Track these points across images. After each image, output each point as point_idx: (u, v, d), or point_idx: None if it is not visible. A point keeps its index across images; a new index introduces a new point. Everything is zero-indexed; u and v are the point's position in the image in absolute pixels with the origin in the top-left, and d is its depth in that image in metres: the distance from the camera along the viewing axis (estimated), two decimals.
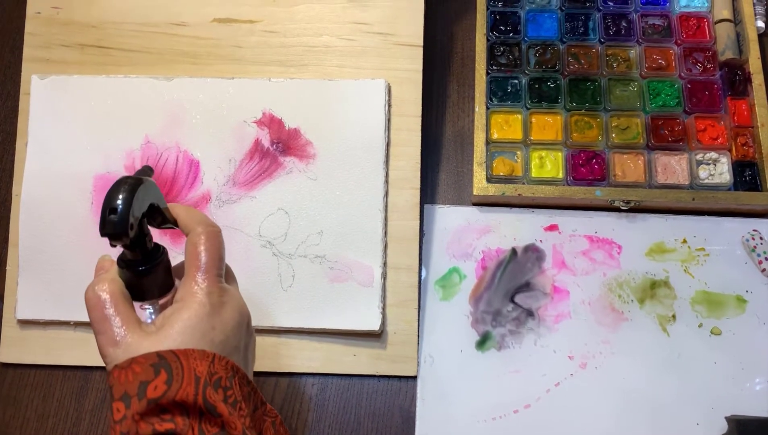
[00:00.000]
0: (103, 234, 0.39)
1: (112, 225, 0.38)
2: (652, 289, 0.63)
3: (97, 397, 0.62)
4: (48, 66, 0.67)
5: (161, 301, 0.44)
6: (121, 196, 0.39)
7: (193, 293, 0.41)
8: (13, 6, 0.77)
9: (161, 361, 0.38)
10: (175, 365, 0.38)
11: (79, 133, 0.64)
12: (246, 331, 0.45)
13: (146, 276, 0.42)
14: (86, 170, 0.64)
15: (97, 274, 0.43)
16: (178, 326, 0.40)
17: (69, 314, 0.62)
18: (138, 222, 0.40)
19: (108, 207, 0.38)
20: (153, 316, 0.43)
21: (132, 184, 0.39)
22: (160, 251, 0.43)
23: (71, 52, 0.67)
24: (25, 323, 0.63)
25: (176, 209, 0.44)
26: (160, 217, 0.43)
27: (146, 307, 0.43)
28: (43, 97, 0.65)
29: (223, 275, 0.44)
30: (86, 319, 0.60)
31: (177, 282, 0.45)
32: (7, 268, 0.64)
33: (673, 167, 0.65)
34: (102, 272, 0.43)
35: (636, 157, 0.65)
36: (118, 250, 0.42)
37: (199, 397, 0.38)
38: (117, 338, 0.40)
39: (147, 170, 0.44)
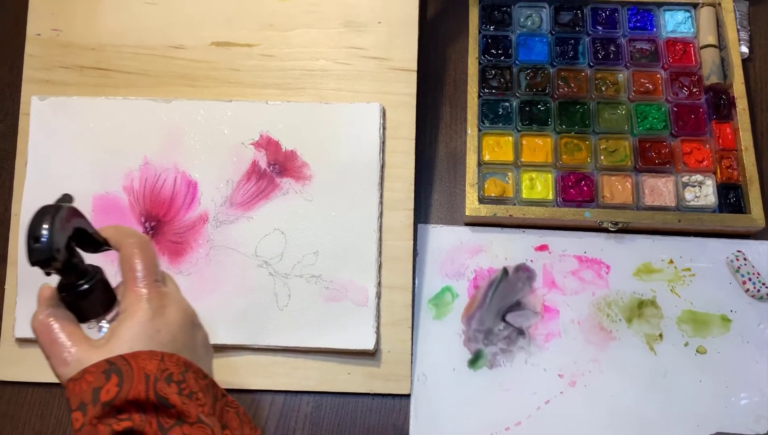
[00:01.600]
0: (31, 262, 0.40)
1: (38, 253, 0.39)
2: (640, 308, 0.65)
3: None
4: (48, 87, 0.68)
5: (107, 317, 0.45)
6: (42, 224, 0.40)
7: (134, 302, 0.43)
8: (11, 25, 0.77)
9: (111, 366, 0.40)
10: (125, 368, 0.40)
11: (78, 153, 0.65)
12: (192, 328, 0.46)
13: (86, 296, 0.43)
14: (85, 191, 0.64)
15: (37, 303, 0.44)
16: (125, 335, 0.41)
17: None
18: (65, 246, 0.41)
19: (32, 236, 0.39)
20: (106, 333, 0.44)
21: (52, 211, 0.41)
22: (95, 270, 0.44)
23: (71, 74, 0.68)
24: (23, 341, 0.63)
25: (105, 230, 0.46)
26: (90, 241, 0.44)
27: (93, 325, 0.45)
28: (43, 118, 0.66)
29: (160, 280, 0.45)
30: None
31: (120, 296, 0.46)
32: (6, 286, 0.65)
33: (660, 189, 0.67)
34: (41, 301, 0.44)
35: (624, 179, 0.67)
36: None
37: (151, 392, 0.39)
38: (67, 358, 0.41)
39: (66, 197, 0.44)
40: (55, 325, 0.42)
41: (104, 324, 0.44)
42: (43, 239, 0.39)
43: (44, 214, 0.40)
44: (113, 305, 0.45)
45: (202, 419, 0.40)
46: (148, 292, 0.43)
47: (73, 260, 0.42)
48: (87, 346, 0.41)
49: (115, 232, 0.45)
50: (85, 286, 0.43)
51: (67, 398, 0.40)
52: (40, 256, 0.39)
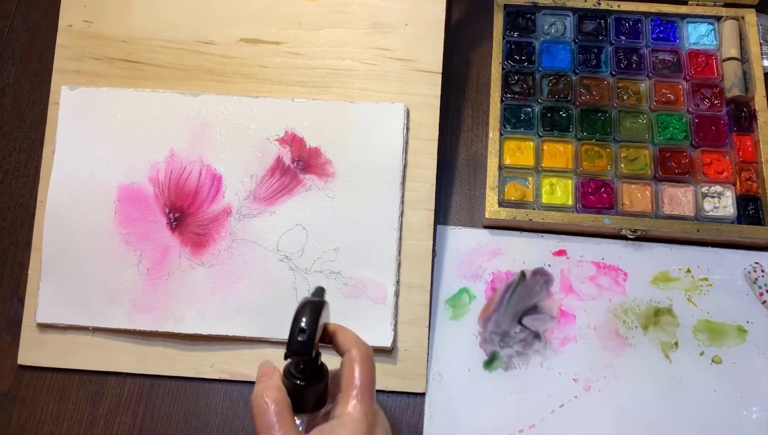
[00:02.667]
0: (290, 352, 0.42)
1: (300, 344, 0.42)
2: (656, 316, 0.65)
3: (111, 402, 0.64)
4: (78, 77, 0.69)
5: (311, 416, 0.46)
6: (308, 319, 0.42)
7: (350, 413, 0.43)
8: (41, 17, 0.79)
9: None
10: None
11: (105, 143, 0.66)
12: None
13: (307, 391, 0.45)
14: (111, 180, 0.65)
15: (261, 380, 0.45)
16: None
17: (88, 320, 0.63)
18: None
19: (297, 327, 0.42)
20: (301, 428, 0.45)
21: (318, 307, 0.43)
22: (324, 370, 0.46)
23: (101, 65, 0.69)
24: (44, 327, 0.64)
25: (330, 327, 0.47)
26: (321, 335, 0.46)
27: (297, 419, 0.45)
28: (72, 107, 0.67)
29: (374, 396, 0.46)
30: (104, 325, 0.63)
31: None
32: (29, 272, 0.66)
33: (679, 199, 0.67)
34: (266, 378, 0.45)
35: (643, 187, 0.68)
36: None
37: None
38: None
39: (322, 291, 0.46)
40: (276, 410, 0.43)
41: (299, 420, 0.45)
42: (306, 333, 0.42)
43: (309, 307, 0.43)
44: (322, 406, 0.46)
45: None
46: (363, 406, 0.44)
47: (318, 356, 0.44)
48: None
49: (342, 334, 0.47)
50: (313, 383, 0.44)
51: None
52: (299, 348, 0.42)
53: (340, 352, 0.46)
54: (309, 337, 0.42)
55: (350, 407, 0.44)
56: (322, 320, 0.44)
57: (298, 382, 0.44)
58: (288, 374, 0.45)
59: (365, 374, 0.45)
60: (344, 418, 0.43)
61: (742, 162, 0.68)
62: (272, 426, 0.42)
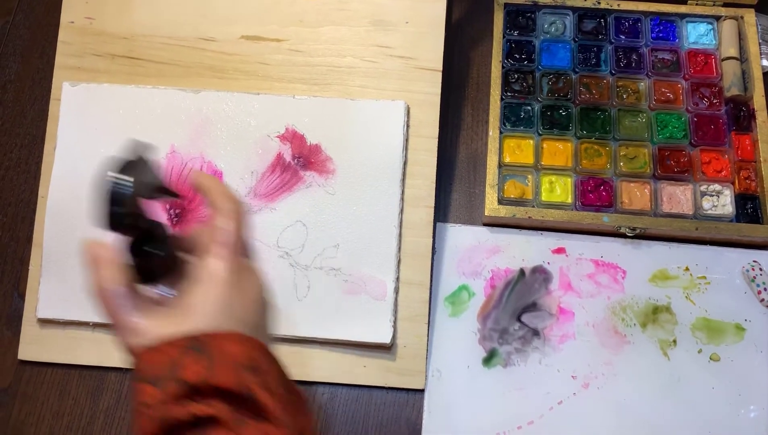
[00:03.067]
0: (110, 229, 0.36)
1: (115, 218, 0.36)
2: (655, 313, 0.65)
3: (111, 397, 0.64)
4: (79, 74, 0.69)
5: (170, 279, 0.41)
6: (121, 183, 0.36)
7: (214, 271, 0.39)
8: (43, 14, 0.79)
9: (194, 343, 0.36)
10: (209, 348, 0.36)
11: (106, 139, 0.66)
12: (265, 305, 0.42)
13: (152, 260, 0.39)
14: None
15: (99, 266, 0.39)
16: (202, 306, 0.38)
17: (88, 315, 0.63)
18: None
19: (106, 198, 0.36)
20: (163, 294, 0.41)
21: (127, 166, 0.36)
22: (166, 233, 0.40)
23: (102, 62, 0.69)
24: (45, 322, 0.65)
25: (201, 178, 0.42)
26: (157, 191, 0.39)
27: (155, 288, 0.41)
28: (73, 103, 0.67)
29: (245, 253, 0.41)
30: (105, 320, 0.63)
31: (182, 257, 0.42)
32: (30, 267, 0.66)
33: (678, 197, 0.67)
34: (101, 264, 0.39)
35: (642, 185, 0.68)
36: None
37: (237, 382, 0.36)
38: (138, 326, 0.37)
39: (140, 146, 0.39)
40: (120, 293, 0.38)
41: (159, 287, 0.41)
42: (118, 203, 0.35)
43: (130, 168, 0.36)
44: (177, 265, 0.40)
45: (283, 419, 0.36)
46: (230, 263, 0.39)
47: (140, 217, 0.38)
48: (158, 314, 0.38)
49: (207, 188, 0.41)
50: (151, 246, 0.39)
51: (137, 368, 0.37)
52: (116, 221, 0.36)
53: (211, 205, 0.41)
54: (122, 206, 0.35)
55: (213, 264, 0.39)
56: (144, 179, 0.37)
57: (134, 251, 0.38)
58: (126, 247, 0.38)
59: (229, 228, 0.40)
60: (202, 277, 0.38)
61: (740, 161, 0.69)
62: (119, 311, 0.37)
